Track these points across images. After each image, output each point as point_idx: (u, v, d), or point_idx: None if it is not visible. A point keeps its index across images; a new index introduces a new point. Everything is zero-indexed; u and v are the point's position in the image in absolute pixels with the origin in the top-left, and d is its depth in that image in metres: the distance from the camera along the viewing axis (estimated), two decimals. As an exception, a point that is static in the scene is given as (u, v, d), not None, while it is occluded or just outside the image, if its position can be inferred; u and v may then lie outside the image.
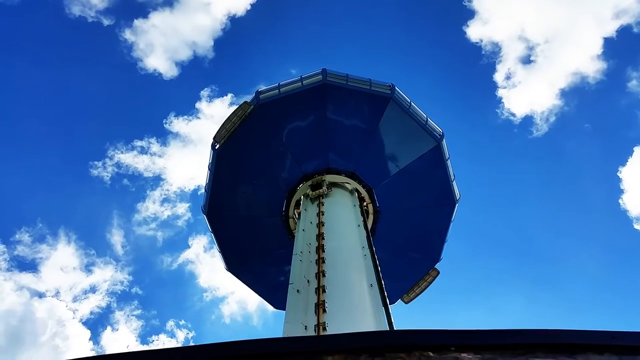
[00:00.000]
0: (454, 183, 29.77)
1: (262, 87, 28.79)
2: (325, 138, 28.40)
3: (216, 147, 29.04)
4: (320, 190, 26.95)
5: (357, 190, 28.36)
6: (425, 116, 28.99)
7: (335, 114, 27.98)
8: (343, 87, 27.46)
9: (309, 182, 28.73)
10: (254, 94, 28.74)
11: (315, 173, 28.65)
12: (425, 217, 30.04)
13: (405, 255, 30.92)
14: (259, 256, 31.48)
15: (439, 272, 31.10)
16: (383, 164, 28.94)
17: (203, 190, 30.65)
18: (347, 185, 28.68)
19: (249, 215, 30.42)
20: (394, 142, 28.71)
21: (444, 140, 29.12)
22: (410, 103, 28.61)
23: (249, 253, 31.37)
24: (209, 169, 29.73)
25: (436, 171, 29.16)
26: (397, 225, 29.72)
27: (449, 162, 29.55)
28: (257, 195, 30.00)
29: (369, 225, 28.37)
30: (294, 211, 30.06)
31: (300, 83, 28.01)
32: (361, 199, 28.14)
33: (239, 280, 32.42)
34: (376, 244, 28.24)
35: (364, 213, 27.61)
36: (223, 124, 28.93)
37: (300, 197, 29.25)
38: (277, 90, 28.02)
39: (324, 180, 28.09)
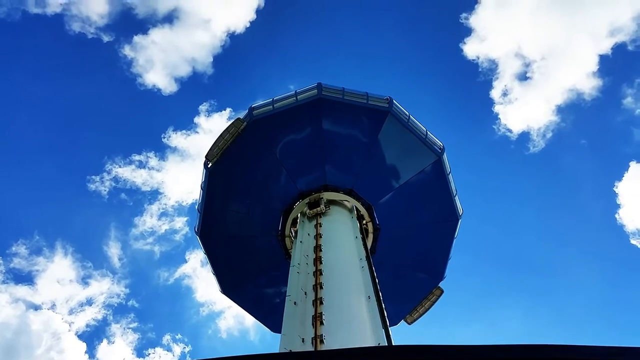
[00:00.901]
0: (457, 198, 28.68)
1: (256, 103, 27.91)
2: (321, 154, 27.38)
3: (209, 166, 28.00)
4: (318, 208, 25.86)
5: (356, 208, 27.25)
6: (424, 129, 28.01)
7: (332, 130, 26.99)
8: (339, 102, 26.52)
9: (306, 200, 27.67)
10: (247, 110, 27.82)
11: (312, 190, 27.57)
12: (427, 234, 28.88)
13: (408, 275, 29.69)
14: (254, 278, 30.24)
15: (442, 291, 29.86)
16: (382, 180, 27.87)
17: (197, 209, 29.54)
18: (345, 203, 27.60)
19: (243, 235, 29.24)
20: (393, 157, 27.68)
21: (444, 154, 28.11)
22: (409, 116, 27.65)
23: (244, 274, 30.13)
24: (201, 188, 28.65)
25: (437, 186, 28.09)
26: (398, 243, 28.55)
27: (450, 176, 28.51)
28: (252, 214, 28.87)
29: (369, 244, 27.24)
30: (290, 229, 28.96)
31: (294, 98, 27.08)
32: (360, 217, 27.03)
33: (235, 304, 31.11)
34: (377, 264, 27.05)
35: (363, 231, 26.54)
36: (215, 141, 27.92)
37: (297, 215, 28.18)
38: (271, 106, 27.06)
39: (322, 198, 27.02)
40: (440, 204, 28.49)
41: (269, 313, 30.99)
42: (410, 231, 28.73)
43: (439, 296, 29.81)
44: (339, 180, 27.60)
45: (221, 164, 27.82)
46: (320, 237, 22.69)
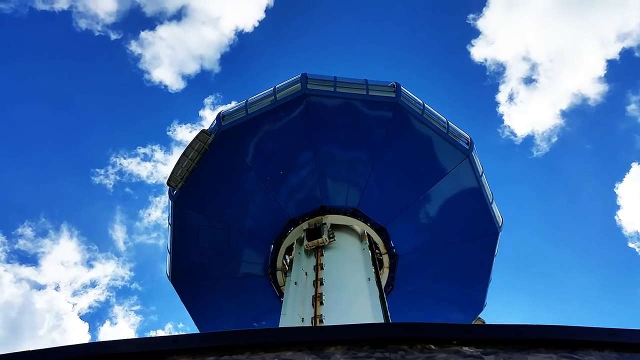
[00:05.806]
0: (494, 205, 22.27)
1: (225, 109, 21.82)
2: (315, 167, 21.14)
3: (174, 194, 22.07)
4: (320, 239, 19.70)
5: (367, 234, 21.11)
6: (445, 120, 21.60)
7: (325, 134, 20.73)
8: (331, 96, 20.28)
9: (303, 226, 21.58)
10: (215, 119, 21.78)
11: (305, 215, 21.46)
12: (458, 255, 22.55)
13: (439, 308, 23.49)
14: (245, 326, 24.36)
15: (484, 323, 23.58)
16: (395, 193, 21.55)
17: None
18: (354, 227, 21.50)
19: (227, 275, 23.33)
20: (407, 162, 21.30)
21: (474, 149, 21.66)
22: (424, 105, 21.25)
23: (233, 324, 24.28)
24: (169, 223, 22.77)
25: (468, 193, 21.70)
26: (422, 270, 22.37)
27: (483, 177, 22.07)
28: (234, 249, 22.90)
29: (385, 279, 21.24)
30: (284, 258, 23.08)
31: (273, 97, 20.90)
32: (372, 245, 20.87)
33: None
34: (399, 301, 21.11)
35: (376, 262, 20.45)
36: (178, 161, 21.89)
37: (293, 243, 22.21)
38: (244, 111, 20.92)
39: (325, 224, 20.89)
40: (472, 214, 22.09)
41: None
42: (436, 253, 22.45)
43: (481, 329, 23.55)
44: (340, 198, 21.39)
45: (189, 189, 21.87)
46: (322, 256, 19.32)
